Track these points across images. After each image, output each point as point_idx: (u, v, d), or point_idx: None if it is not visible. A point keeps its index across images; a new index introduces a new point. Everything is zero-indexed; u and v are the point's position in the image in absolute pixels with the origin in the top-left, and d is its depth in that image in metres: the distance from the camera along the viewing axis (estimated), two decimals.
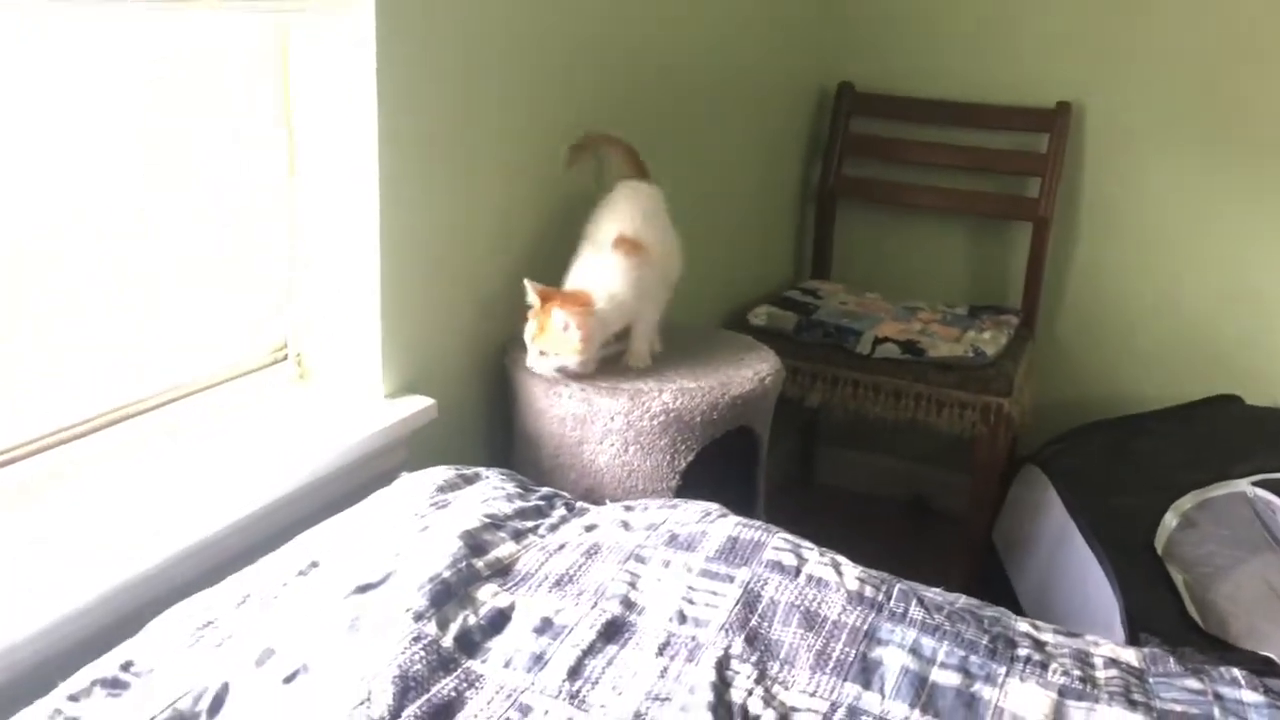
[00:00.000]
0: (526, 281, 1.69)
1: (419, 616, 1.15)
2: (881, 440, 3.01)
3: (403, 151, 1.58)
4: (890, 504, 3.04)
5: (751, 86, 2.63)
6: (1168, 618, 1.81)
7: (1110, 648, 1.23)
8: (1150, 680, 1.17)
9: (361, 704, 1.03)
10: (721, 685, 1.10)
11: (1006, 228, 2.90)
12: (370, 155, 1.54)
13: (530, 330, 1.70)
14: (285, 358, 1.67)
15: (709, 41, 2.41)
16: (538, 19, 1.83)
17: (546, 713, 1.07)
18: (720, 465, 1.79)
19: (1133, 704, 1.11)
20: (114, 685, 1.06)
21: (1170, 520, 2.04)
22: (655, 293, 1.83)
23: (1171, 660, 1.21)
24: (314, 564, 1.26)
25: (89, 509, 1.32)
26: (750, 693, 1.10)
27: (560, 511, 1.48)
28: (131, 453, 1.44)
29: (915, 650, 1.16)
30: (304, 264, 1.64)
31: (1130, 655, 1.21)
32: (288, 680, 1.08)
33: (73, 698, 1.04)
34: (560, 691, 1.09)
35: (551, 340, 1.68)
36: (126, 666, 1.08)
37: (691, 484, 1.73)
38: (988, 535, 2.50)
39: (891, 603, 1.25)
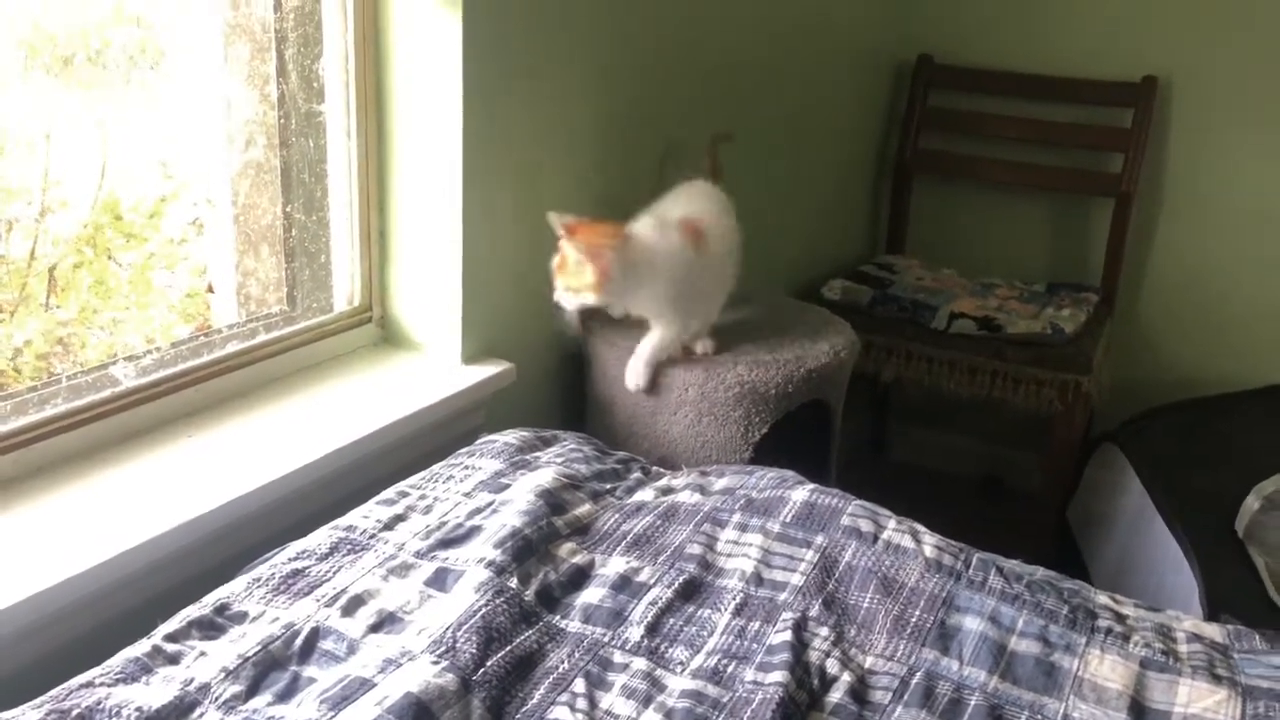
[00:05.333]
0: (551, 214, 1.56)
1: (501, 571, 1.18)
2: (954, 417, 2.99)
3: (485, 119, 1.60)
4: (962, 481, 3.02)
5: (828, 59, 2.60)
6: (1248, 600, 1.78)
7: (1193, 623, 1.22)
8: (1235, 656, 1.15)
9: (446, 652, 1.05)
10: (800, 646, 1.11)
11: (1086, 204, 2.84)
12: (455, 121, 1.56)
13: (554, 263, 1.59)
14: (369, 320, 1.70)
15: (787, 14, 2.39)
16: None
17: (626, 667, 1.09)
18: (793, 439, 1.79)
19: (1216, 678, 1.10)
20: (209, 627, 1.10)
21: (1252, 502, 2.00)
22: (707, 290, 1.72)
23: (1257, 637, 1.19)
24: (399, 518, 1.29)
25: (183, 461, 1.36)
26: (828, 654, 1.11)
27: (636, 475, 1.50)
28: (223, 408, 1.48)
29: (994, 618, 1.16)
30: (388, 229, 1.67)
31: (1214, 631, 1.20)
32: (374, 628, 1.11)
33: (170, 637, 1.08)
34: (640, 647, 1.11)
35: (570, 274, 1.56)
36: (221, 610, 1.12)
37: (764, 456, 1.73)
38: (1062, 514, 2.47)
39: (970, 571, 1.24)
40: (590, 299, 1.58)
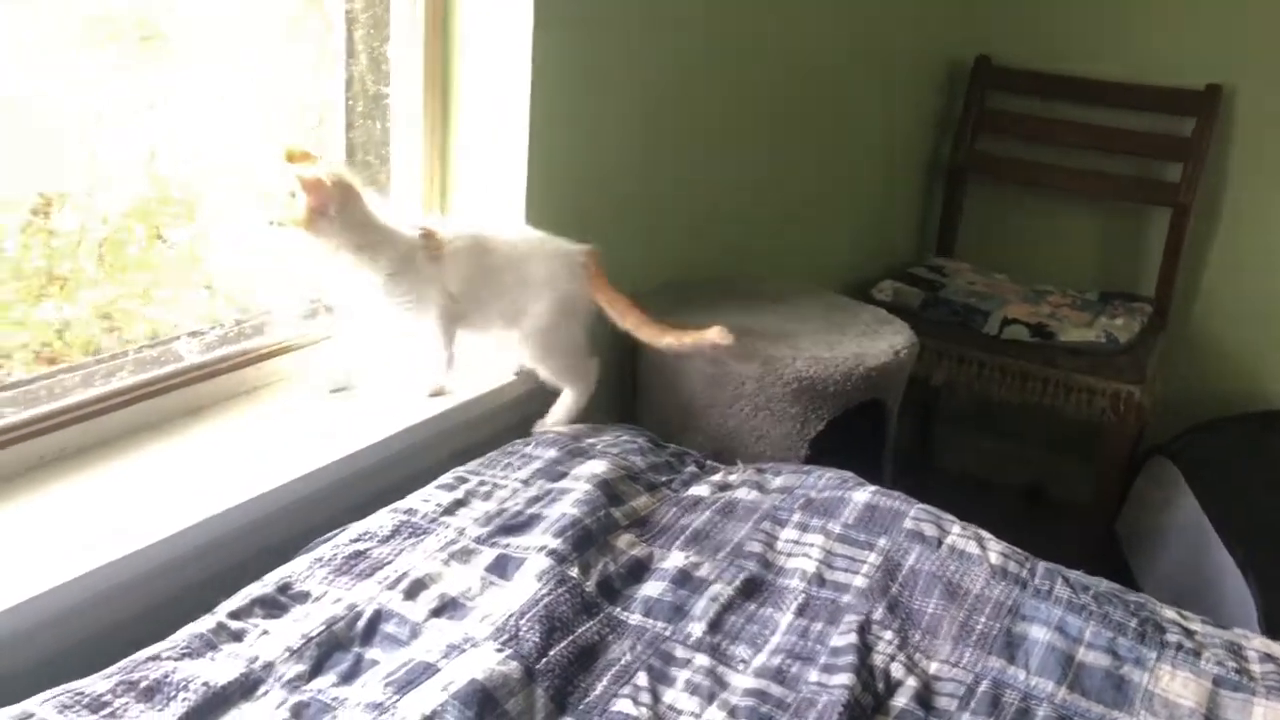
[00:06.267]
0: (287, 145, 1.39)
1: (562, 560, 1.17)
2: (1000, 423, 2.96)
3: (549, 112, 1.59)
4: (1006, 489, 2.99)
5: (884, 59, 2.58)
6: None
7: (1263, 642, 1.19)
8: None
9: (510, 640, 1.05)
10: (864, 649, 1.09)
11: (1142, 212, 2.80)
12: (521, 110, 1.56)
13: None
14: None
15: (847, 13, 2.36)
16: None
17: (689, 662, 1.08)
18: (846, 438, 1.77)
19: None
20: (272, 605, 1.10)
21: None
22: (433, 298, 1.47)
23: None
24: (459, 503, 1.29)
25: (245, 438, 1.36)
26: (893, 659, 1.10)
27: (691, 468, 1.49)
28: (283, 387, 1.48)
29: (1061, 628, 1.14)
30: (451, 214, 1.67)
31: None
32: (436, 613, 1.10)
33: (234, 615, 1.08)
34: (702, 643, 1.10)
35: (283, 206, 1.37)
36: (284, 589, 1.12)
37: (816, 455, 1.72)
38: (1110, 526, 2.44)
39: (1036, 580, 1.22)
40: (301, 237, 1.38)
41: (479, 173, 1.63)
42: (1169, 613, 1.22)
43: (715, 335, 1.52)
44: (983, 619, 1.16)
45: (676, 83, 1.89)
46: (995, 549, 1.27)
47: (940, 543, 1.27)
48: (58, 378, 1.26)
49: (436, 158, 1.63)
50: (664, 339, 1.55)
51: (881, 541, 1.27)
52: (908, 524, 1.30)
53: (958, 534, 1.29)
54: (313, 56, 1.52)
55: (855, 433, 1.83)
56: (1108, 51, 2.75)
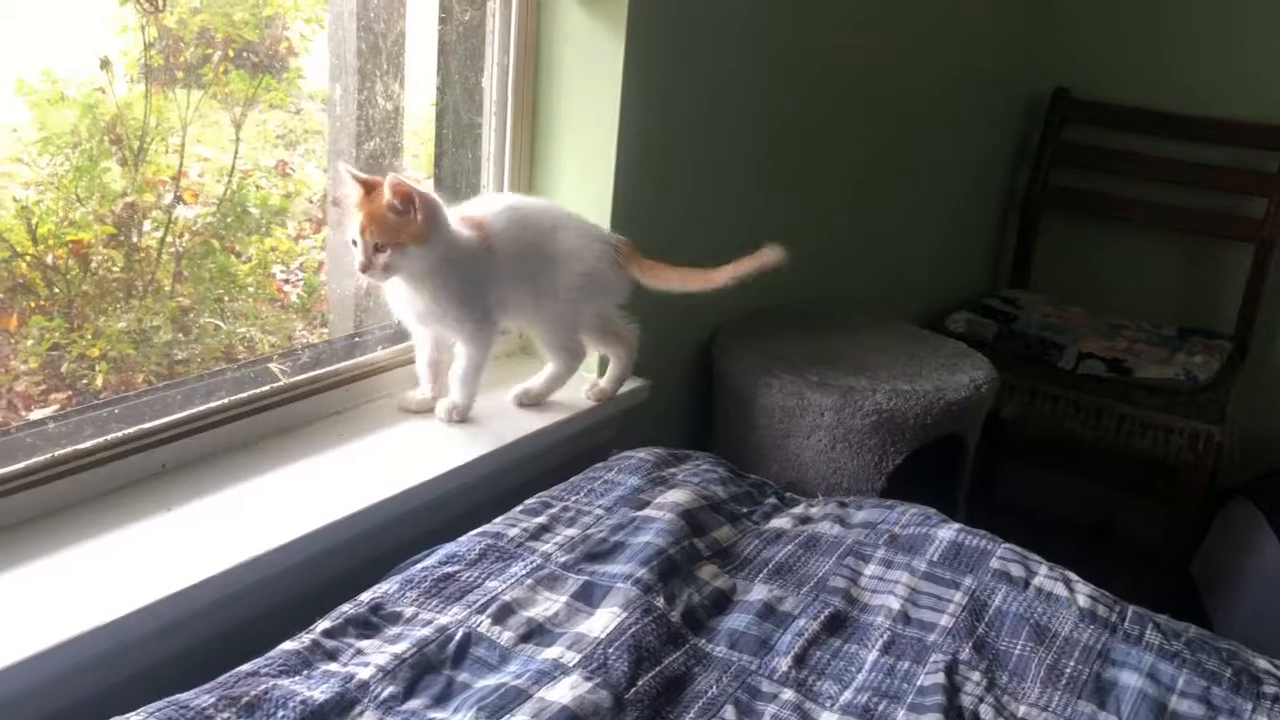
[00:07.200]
0: (341, 165, 1.38)
1: (648, 589, 1.18)
2: (1068, 459, 2.91)
3: (637, 143, 1.61)
4: (1072, 526, 2.94)
5: (961, 90, 2.57)
6: None
7: None
8: None
9: (598, 669, 1.05)
10: (952, 689, 1.09)
11: (1222, 247, 2.76)
12: (609, 148, 1.58)
13: (356, 225, 1.34)
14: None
15: (925, 44, 2.36)
16: (765, 22, 1.84)
17: (775, 697, 1.08)
18: (919, 471, 1.76)
19: None
20: (365, 625, 1.12)
21: None
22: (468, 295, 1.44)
23: None
24: (544, 528, 1.30)
25: (334, 460, 1.39)
26: (981, 699, 1.09)
27: (771, 500, 1.49)
28: (369, 409, 1.51)
29: (1153, 675, 1.13)
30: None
31: None
32: (524, 638, 1.11)
33: (328, 634, 1.10)
34: (788, 678, 1.10)
35: (390, 226, 1.33)
36: (376, 609, 1.14)
37: (892, 487, 1.71)
38: (1184, 567, 2.39)
39: (1126, 624, 1.21)
40: (413, 256, 1.35)
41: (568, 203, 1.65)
42: (1262, 662, 1.20)
43: (769, 255, 1.51)
44: (1072, 662, 1.14)
45: (758, 121, 1.90)
46: (1083, 591, 1.25)
47: (1027, 583, 1.26)
48: (160, 393, 1.30)
49: (524, 188, 1.65)
50: (720, 278, 1.53)
51: (967, 580, 1.26)
52: (994, 563, 1.29)
53: (1045, 575, 1.28)
54: (410, 82, 1.56)
55: (928, 466, 1.82)
56: (1188, 85, 2.72)
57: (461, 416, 1.51)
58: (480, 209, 1.47)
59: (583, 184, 1.62)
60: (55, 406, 1.34)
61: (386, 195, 1.33)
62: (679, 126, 1.71)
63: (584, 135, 1.60)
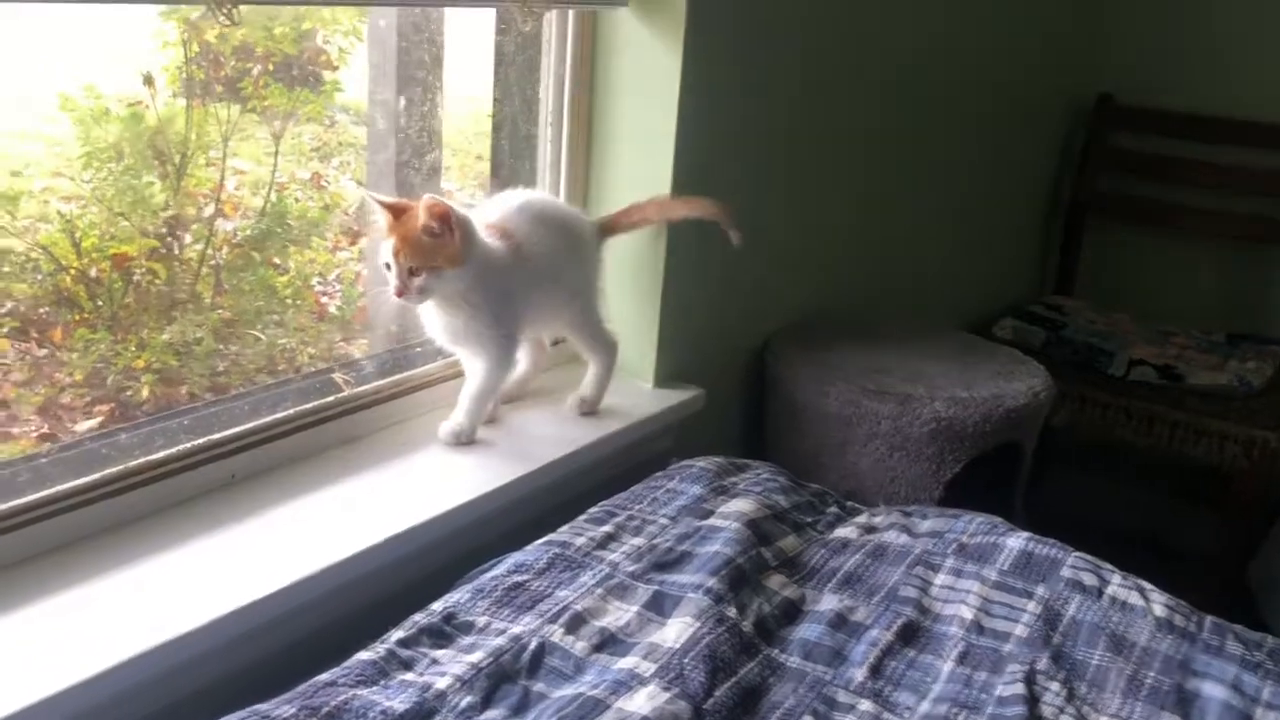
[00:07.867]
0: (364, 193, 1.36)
1: (720, 599, 1.17)
2: (1116, 466, 2.88)
3: (694, 153, 1.61)
4: (1122, 534, 2.90)
5: (1005, 96, 2.56)
6: None
7: None
8: None
9: (676, 679, 1.05)
10: (1032, 700, 1.08)
11: (1270, 252, 2.72)
12: (666, 159, 1.58)
13: (388, 249, 1.31)
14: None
15: (968, 50, 2.35)
16: (819, 32, 1.84)
17: (852, 708, 1.07)
18: (975, 479, 1.75)
19: None
20: (439, 635, 1.12)
21: None
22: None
23: None
24: (610, 536, 1.29)
25: (398, 471, 1.39)
26: (1061, 710, 1.07)
27: (834, 509, 1.48)
28: (426, 421, 1.51)
29: (1237, 686, 1.11)
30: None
31: None
32: (598, 648, 1.11)
33: (403, 643, 1.10)
34: (864, 689, 1.09)
35: (424, 249, 1.30)
36: (449, 619, 1.14)
37: (950, 496, 1.70)
38: (1240, 575, 2.36)
39: (1205, 634, 1.19)
40: (449, 278, 1.32)
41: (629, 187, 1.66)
42: None
43: (708, 207, 1.54)
44: (1152, 673, 1.13)
45: (814, 130, 1.90)
46: (1159, 600, 1.24)
47: (1101, 593, 1.25)
48: (228, 404, 1.31)
49: (579, 200, 1.65)
50: (693, 206, 1.56)
51: (1040, 590, 1.25)
52: (1065, 572, 1.28)
53: (1119, 584, 1.26)
54: (464, 94, 1.57)
55: (983, 474, 1.80)
56: (1234, 89, 2.69)
57: (469, 440, 1.46)
58: (498, 213, 1.44)
59: (640, 196, 1.61)
60: (99, 419, 1.35)
61: (422, 217, 1.30)
62: (735, 137, 1.70)
63: (641, 146, 1.60)
